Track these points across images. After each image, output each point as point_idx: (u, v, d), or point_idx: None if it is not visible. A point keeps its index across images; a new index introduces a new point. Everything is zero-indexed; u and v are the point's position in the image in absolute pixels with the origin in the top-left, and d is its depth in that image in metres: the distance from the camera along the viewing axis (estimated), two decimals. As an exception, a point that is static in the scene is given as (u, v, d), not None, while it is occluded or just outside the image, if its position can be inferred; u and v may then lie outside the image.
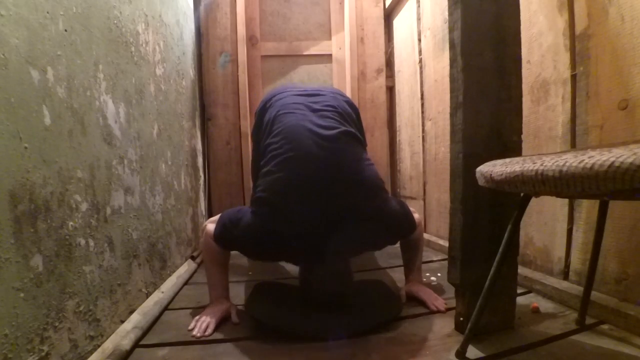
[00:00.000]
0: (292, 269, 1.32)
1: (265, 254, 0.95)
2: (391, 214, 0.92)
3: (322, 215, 0.82)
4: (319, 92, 1.07)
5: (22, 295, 0.53)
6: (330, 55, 2.10)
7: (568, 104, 0.93)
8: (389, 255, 1.43)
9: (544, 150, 1.02)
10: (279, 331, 0.81)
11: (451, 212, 0.80)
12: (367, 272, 1.29)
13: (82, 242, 0.69)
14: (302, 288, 0.94)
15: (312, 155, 0.85)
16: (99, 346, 0.72)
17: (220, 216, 0.94)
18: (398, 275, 1.14)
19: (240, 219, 0.89)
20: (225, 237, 0.90)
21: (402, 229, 0.98)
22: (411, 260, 1.04)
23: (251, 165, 1.31)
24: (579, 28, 0.90)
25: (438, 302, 0.93)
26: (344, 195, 0.84)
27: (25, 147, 0.55)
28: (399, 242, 1.04)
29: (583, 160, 0.40)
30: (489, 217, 0.76)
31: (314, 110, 0.96)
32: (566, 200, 0.95)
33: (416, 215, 1.01)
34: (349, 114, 1.02)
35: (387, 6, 2.03)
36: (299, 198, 0.83)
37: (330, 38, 2.10)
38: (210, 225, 0.94)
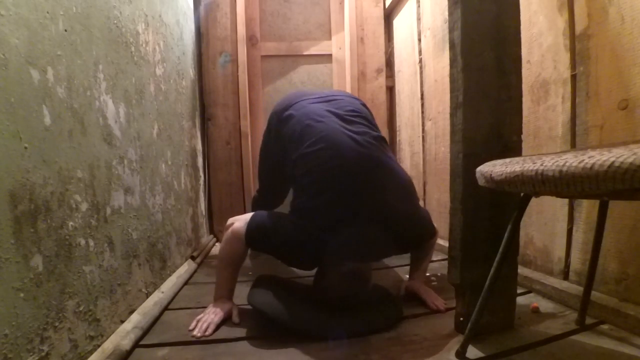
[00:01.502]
0: (296, 270, 1.31)
1: (303, 261, 0.95)
2: (420, 218, 0.96)
3: (364, 220, 0.85)
4: (335, 97, 1.08)
5: (22, 295, 0.53)
6: (330, 55, 2.10)
7: (568, 104, 0.93)
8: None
9: (544, 150, 1.02)
10: (279, 325, 0.81)
11: (451, 212, 0.80)
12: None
13: (82, 242, 0.69)
14: (316, 289, 0.94)
15: (355, 161, 0.87)
16: (99, 346, 0.72)
17: (252, 216, 0.93)
18: (400, 275, 1.14)
19: (279, 227, 0.90)
20: (259, 239, 0.90)
21: (426, 233, 1.00)
22: (419, 261, 1.05)
23: (259, 168, 1.32)
24: (579, 28, 0.90)
25: (438, 302, 0.93)
26: (383, 197, 0.87)
27: (25, 147, 0.55)
28: None
29: (583, 160, 0.40)
30: (489, 217, 0.76)
31: (340, 116, 0.97)
32: (566, 200, 0.95)
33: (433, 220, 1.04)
34: (368, 115, 1.06)
35: (387, 6, 2.03)
36: (346, 206, 0.86)
37: (330, 38, 2.10)
38: (238, 224, 0.91)
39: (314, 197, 0.89)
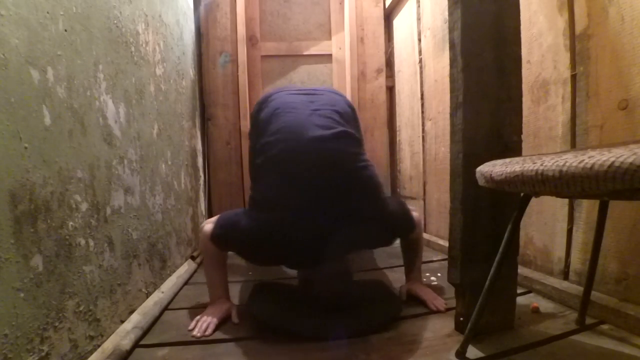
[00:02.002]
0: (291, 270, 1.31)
1: (263, 258, 0.94)
2: (390, 215, 0.91)
3: (319, 217, 0.81)
4: (316, 92, 1.07)
5: (22, 295, 0.53)
6: (330, 55, 2.10)
7: (568, 104, 0.93)
8: (389, 255, 1.43)
9: (544, 150, 1.02)
10: (280, 331, 0.81)
11: (451, 212, 0.80)
12: (367, 272, 1.29)
13: (82, 242, 0.69)
14: (302, 290, 0.93)
15: (309, 156, 0.84)
16: (99, 346, 0.72)
17: (219, 217, 0.94)
18: (398, 275, 1.14)
19: (238, 222, 0.88)
20: (222, 239, 0.90)
21: (401, 229, 0.98)
22: (411, 260, 1.05)
23: (249, 165, 1.31)
24: (579, 28, 0.90)
25: (438, 302, 0.93)
26: (342, 196, 0.83)
27: (25, 147, 0.55)
28: (399, 242, 1.04)
29: (583, 160, 0.40)
30: (489, 217, 0.76)
31: (312, 110, 0.95)
32: (566, 200, 0.95)
33: (416, 214, 1.01)
34: (347, 114, 1.01)
35: (387, 6, 2.03)
36: (296, 200, 0.82)
37: (330, 38, 2.10)
38: (208, 226, 0.93)
39: (266, 187, 0.86)
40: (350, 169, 0.86)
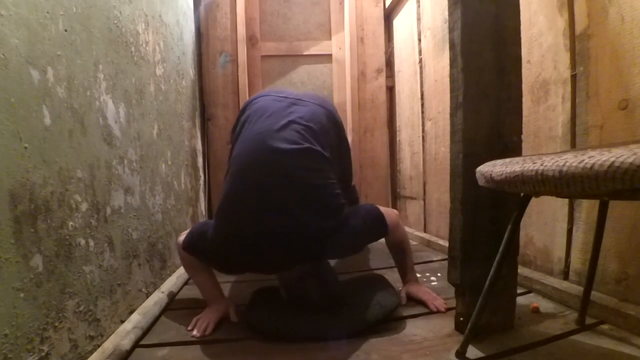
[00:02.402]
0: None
1: (228, 267, 0.94)
2: (348, 234, 0.88)
3: (270, 230, 0.81)
4: (299, 102, 1.02)
5: (22, 295, 0.53)
6: (330, 55, 2.10)
7: (568, 104, 0.93)
8: (389, 255, 1.42)
9: (544, 150, 1.02)
10: (278, 334, 0.81)
11: (451, 212, 0.80)
12: (366, 272, 1.29)
13: (82, 242, 0.69)
14: (284, 293, 0.93)
15: (265, 168, 0.83)
16: (99, 346, 0.72)
17: (191, 228, 0.95)
18: (398, 275, 1.13)
19: (206, 232, 0.89)
20: (192, 248, 0.91)
21: (367, 239, 0.97)
22: (402, 260, 1.04)
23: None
24: (579, 28, 0.90)
25: (438, 302, 0.93)
26: (293, 211, 0.81)
27: (25, 147, 0.55)
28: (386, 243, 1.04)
29: (583, 160, 0.40)
30: (489, 217, 0.76)
31: (285, 122, 0.91)
32: (566, 200, 0.95)
33: (393, 214, 0.99)
34: (323, 130, 0.97)
35: (387, 6, 2.03)
36: (248, 213, 0.82)
37: (330, 38, 2.10)
38: (181, 238, 0.95)
39: (225, 197, 0.87)
40: (303, 184, 0.84)
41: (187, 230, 0.96)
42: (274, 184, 0.81)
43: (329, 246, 0.86)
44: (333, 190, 0.88)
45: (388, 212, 0.98)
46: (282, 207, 0.81)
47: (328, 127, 1.00)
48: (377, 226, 0.95)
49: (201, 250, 0.90)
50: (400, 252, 1.04)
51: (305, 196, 0.83)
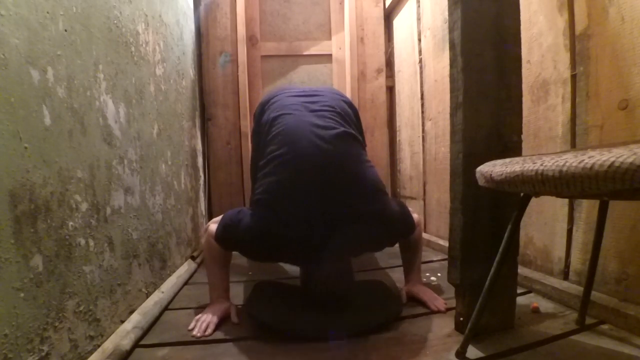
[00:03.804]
0: (292, 269, 1.32)
1: (265, 256, 0.95)
2: (391, 217, 0.91)
3: (320, 217, 0.82)
4: (317, 93, 1.07)
5: (22, 295, 0.53)
6: (330, 55, 2.10)
7: (568, 104, 0.93)
8: (389, 256, 1.43)
9: (544, 150, 1.02)
10: (279, 331, 0.81)
11: (451, 212, 0.80)
12: (367, 272, 1.29)
13: (82, 242, 0.69)
14: (304, 287, 0.94)
15: (311, 157, 0.84)
16: (99, 346, 0.72)
17: (222, 217, 0.94)
18: (398, 276, 1.14)
19: (241, 220, 0.89)
20: (226, 237, 0.90)
21: (401, 230, 0.97)
22: (411, 260, 1.04)
23: (250, 166, 1.31)
24: (579, 28, 0.90)
25: (438, 302, 0.93)
26: (344, 197, 0.83)
27: (25, 147, 0.55)
28: (399, 243, 1.04)
29: (583, 160, 0.40)
30: (489, 217, 0.76)
31: (313, 111, 0.96)
32: (566, 200, 0.95)
33: (415, 216, 1.01)
34: (348, 114, 1.02)
35: (387, 6, 2.03)
36: (298, 200, 0.83)
37: (330, 38, 2.10)
38: (213, 226, 0.94)
39: (268, 188, 0.87)
40: (351, 170, 0.86)
41: (218, 219, 0.95)
42: (322, 172, 0.83)
43: (371, 233, 0.88)
44: (375, 172, 0.91)
45: (410, 211, 1.01)
46: (335, 192, 0.83)
47: (349, 112, 1.04)
48: (407, 221, 0.97)
49: (235, 239, 0.89)
50: (412, 252, 1.04)
51: (352, 180, 0.86)
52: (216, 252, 0.93)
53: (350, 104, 1.09)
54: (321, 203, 0.82)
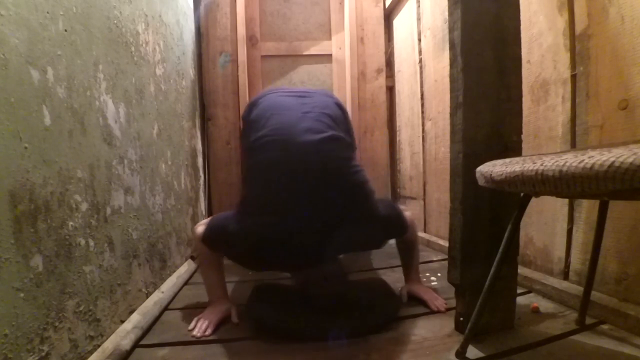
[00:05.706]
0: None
1: (252, 262, 0.94)
2: (380, 219, 0.90)
3: (308, 221, 0.81)
4: (307, 94, 1.05)
5: (22, 295, 0.53)
6: (330, 55, 2.10)
7: (568, 104, 0.93)
8: (389, 255, 1.43)
9: (544, 150, 1.02)
10: (279, 332, 0.81)
11: (451, 212, 0.80)
12: (367, 272, 1.29)
13: (82, 242, 0.69)
14: (298, 292, 0.93)
15: (298, 160, 0.83)
16: (99, 346, 0.72)
17: (210, 219, 0.94)
18: (398, 275, 1.14)
19: (227, 225, 0.88)
20: (213, 240, 0.90)
21: (393, 231, 0.97)
22: (408, 260, 1.05)
23: (241, 168, 1.30)
24: (579, 28, 0.90)
25: (438, 302, 0.93)
26: (331, 201, 0.82)
27: (25, 147, 0.55)
28: (395, 243, 1.04)
29: (583, 160, 0.40)
30: (489, 217, 0.76)
31: (303, 112, 0.94)
32: (566, 200, 0.95)
33: (408, 214, 1.00)
34: (338, 116, 1.00)
35: (387, 6, 2.03)
36: (284, 204, 0.82)
37: (330, 38, 2.10)
38: (200, 228, 0.93)
39: (255, 191, 0.86)
40: (339, 174, 0.85)
41: (206, 221, 0.94)
42: (309, 176, 0.82)
43: (360, 236, 0.87)
44: (363, 175, 0.90)
45: (405, 212, 1.00)
46: (322, 196, 0.82)
47: (339, 114, 1.02)
48: (399, 221, 0.96)
49: (222, 244, 0.89)
50: (409, 252, 1.04)
51: (340, 184, 0.84)
52: (207, 254, 0.94)
53: (340, 106, 1.07)
54: (308, 208, 0.81)
